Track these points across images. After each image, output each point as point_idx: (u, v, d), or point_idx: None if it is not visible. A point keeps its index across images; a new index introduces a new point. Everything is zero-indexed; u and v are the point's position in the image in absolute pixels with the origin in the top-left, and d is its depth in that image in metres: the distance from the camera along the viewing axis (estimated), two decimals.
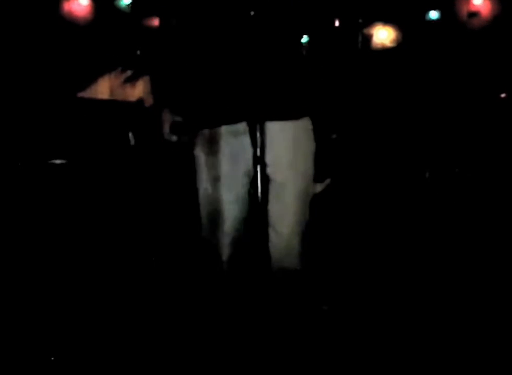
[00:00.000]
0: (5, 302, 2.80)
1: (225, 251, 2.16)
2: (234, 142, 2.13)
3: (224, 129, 2.15)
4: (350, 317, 2.94)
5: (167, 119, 2.29)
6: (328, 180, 4.05)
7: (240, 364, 2.10)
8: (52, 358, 2.37)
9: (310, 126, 2.22)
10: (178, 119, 2.28)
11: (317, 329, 2.28)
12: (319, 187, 3.55)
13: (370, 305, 3.12)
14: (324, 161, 2.53)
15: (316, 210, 2.24)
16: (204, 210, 2.20)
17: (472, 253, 3.78)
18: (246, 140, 2.03)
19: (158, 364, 2.46)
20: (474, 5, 5.47)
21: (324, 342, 2.37)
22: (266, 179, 1.79)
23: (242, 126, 2.07)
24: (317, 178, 2.46)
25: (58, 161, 3.53)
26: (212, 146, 2.18)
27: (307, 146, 2.21)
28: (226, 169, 2.15)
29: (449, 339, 2.67)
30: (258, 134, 1.78)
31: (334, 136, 4.07)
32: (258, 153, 1.80)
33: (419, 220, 4.27)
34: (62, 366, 2.19)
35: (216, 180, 2.16)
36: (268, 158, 2.06)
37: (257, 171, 1.78)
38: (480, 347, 2.54)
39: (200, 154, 2.21)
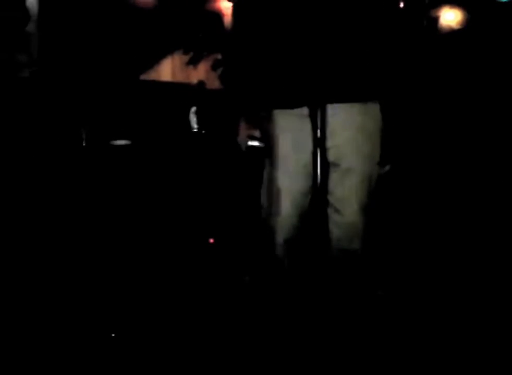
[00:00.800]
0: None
1: (283, 233, 2.16)
2: (298, 125, 2.12)
3: (287, 111, 2.14)
4: (404, 305, 2.90)
5: (244, 131, 2.32)
6: (388, 167, 3.99)
7: (298, 343, 2.11)
8: (113, 335, 2.42)
9: (378, 111, 2.18)
10: (255, 133, 2.31)
11: (371, 314, 2.26)
12: (380, 171, 3.49)
13: (425, 295, 3.08)
14: (386, 147, 2.49)
15: (376, 195, 2.21)
16: (264, 192, 2.21)
17: None
18: (307, 124, 2.02)
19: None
20: None
21: (375, 328, 2.35)
22: (326, 163, 1.77)
23: (306, 109, 2.06)
24: (379, 162, 2.43)
25: (121, 142, 3.60)
26: (276, 128, 2.18)
27: (374, 131, 2.18)
28: (289, 151, 2.14)
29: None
30: (319, 118, 1.76)
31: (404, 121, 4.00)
32: (319, 135, 1.78)
33: (482, 214, 4.17)
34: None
35: (276, 165, 2.16)
36: (334, 142, 2.04)
37: (317, 155, 1.77)
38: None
39: (265, 137, 2.22)
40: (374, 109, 2.18)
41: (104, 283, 2.90)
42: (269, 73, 2.17)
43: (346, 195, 2.10)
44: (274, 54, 2.14)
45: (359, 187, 2.13)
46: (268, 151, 2.22)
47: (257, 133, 2.32)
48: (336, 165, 2.12)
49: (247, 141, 2.36)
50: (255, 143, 2.42)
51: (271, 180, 2.18)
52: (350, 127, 2.09)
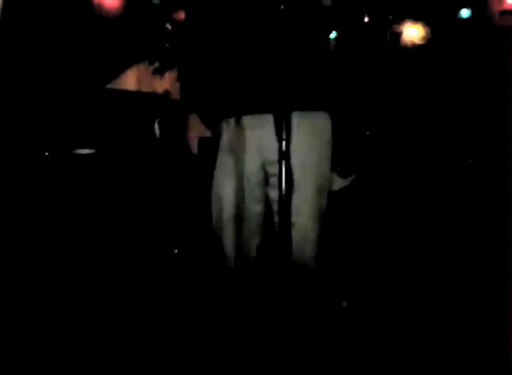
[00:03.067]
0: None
1: (230, 239, 2.16)
2: (258, 133, 2.13)
3: (249, 119, 2.15)
4: (368, 314, 2.92)
5: (193, 127, 2.30)
6: (353, 176, 4.03)
7: (252, 360, 2.10)
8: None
9: (328, 122, 2.20)
10: (207, 134, 2.30)
11: (335, 325, 2.26)
12: (344, 182, 3.52)
13: (387, 302, 3.10)
14: (350, 157, 2.52)
15: (339, 205, 2.22)
16: (217, 203, 2.20)
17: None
18: (267, 132, 2.03)
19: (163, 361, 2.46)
20: (507, 3, 5.40)
21: (341, 339, 2.36)
22: (290, 173, 1.78)
23: (267, 117, 2.07)
24: (342, 173, 2.44)
25: (85, 151, 3.56)
26: (238, 137, 2.18)
27: (325, 141, 2.20)
28: (248, 160, 2.15)
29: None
30: (284, 126, 1.77)
31: (367, 133, 4.05)
32: (283, 145, 1.79)
33: (444, 221, 4.23)
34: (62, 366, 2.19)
35: (237, 172, 2.17)
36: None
37: (281, 165, 1.77)
38: None
39: (224, 144, 2.21)
40: (323, 120, 2.21)
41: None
42: (229, 80, 2.18)
43: (297, 207, 2.11)
44: (234, 62, 2.16)
45: (310, 199, 2.15)
46: (216, 157, 2.22)
47: (207, 133, 2.30)
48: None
49: (200, 144, 2.33)
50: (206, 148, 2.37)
51: (219, 193, 2.19)
52: (298, 139, 2.11)
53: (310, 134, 2.16)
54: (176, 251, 3.56)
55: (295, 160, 2.08)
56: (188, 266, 3.46)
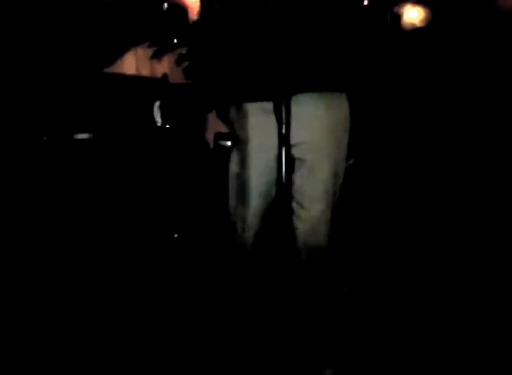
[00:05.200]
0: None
1: (250, 228, 2.16)
2: (264, 120, 2.11)
3: (254, 106, 2.14)
4: (369, 301, 2.92)
5: (212, 127, 2.31)
6: (351, 161, 4.02)
7: (254, 343, 2.11)
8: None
9: (346, 105, 2.19)
10: (223, 129, 2.30)
11: (335, 311, 2.26)
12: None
13: (390, 290, 3.11)
14: (350, 141, 2.50)
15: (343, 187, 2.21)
16: (232, 188, 2.20)
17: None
18: (273, 118, 2.02)
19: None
20: None
21: (340, 325, 2.35)
22: (290, 158, 1.77)
23: (269, 103, 2.06)
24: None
25: (84, 136, 3.54)
26: (243, 123, 2.18)
27: (341, 126, 2.19)
28: (255, 146, 2.14)
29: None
30: (283, 112, 1.76)
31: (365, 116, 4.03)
32: (284, 131, 1.78)
33: (445, 208, 4.22)
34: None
35: (245, 158, 2.16)
36: (300, 138, 2.05)
37: (281, 151, 1.77)
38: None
39: (243, 127, 2.20)
40: (341, 103, 2.19)
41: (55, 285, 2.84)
42: (235, 66, 2.16)
43: (313, 191, 2.11)
44: (240, 47, 2.14)
45: (325, 183, 2.15)
46: (235, 146, 2.21)
47: (225, 129, 2.31)
48: (302, 161, 2.12)
49: (215, 138, 2.35)
50: (224, 143, 2.41)
51: (239, 174, 2.18)
52: (316, 123, 2.10)
53: (328, 119, 2.15)
54: (176, 235, 3.55)
55: (312, 143, 2.07)
56: (188, 251, 3.45)
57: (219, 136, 2.36)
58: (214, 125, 2.34)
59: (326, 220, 2.15)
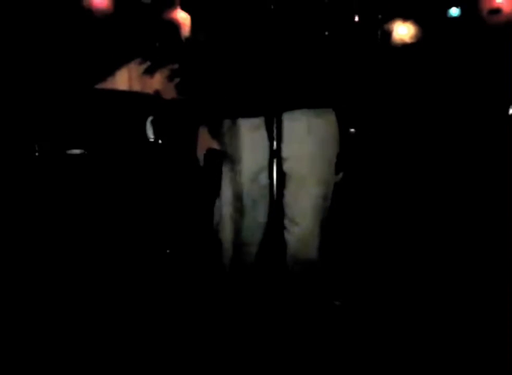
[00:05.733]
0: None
1: (231, 241, 2.17)
2: (253, 136, 2.13)
3: (243, 123, 2.15)
4: (362, 314, 2.92)
5: (203, 144, 2.32)
6: (341, 174, 4.03)
7: (246, 360, 2.11)
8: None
9: (334, 120, 2.21)
10: (214, 146, 2.31)
11: (328, 324, 2.27)
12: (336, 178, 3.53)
13: (383, 302, 3.11)
14: (338, 155, 2.52)
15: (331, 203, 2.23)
16: (219, 203, 2.21)
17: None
18: (265, 134, 2.03)
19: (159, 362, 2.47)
20: (495, 2, 5.42)
21: (334, 338, 2.36)
22: (281, 174, 1.78)
23: (260, 119, 2.08)
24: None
25: (76, 151, 3.55)
26: (233, 140, 2.19)
27: (330, 140, 2.20)
28: (246, 162, 2.15)
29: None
30: (275, 127, 1.78)
31: (352, 130, 4.06)
32: (275, 146, 1.80)
33: (436, 218, 4.25)
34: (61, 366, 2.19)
35: (236, 174, 2.17)
36: (289, 153, 2.06)
37: (272, 165, 1.78)
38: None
39: (227, 145, 2.22)
40: (329, 118, 2.21)
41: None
42: (226, 82, 2.18)
43: (303, 206, 2.12)
44: (231, 63, 2.16)
45: (315, 198, 2.16)
46: (225, 162, 2.23)
47: (216, 146, 2.32)
48: (292, 176, 2.14)
49: (207, 154, 2.36)
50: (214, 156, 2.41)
51: (231, 191, 2.20)
52: (305, 138, 2.11)
53: (317, 133, 2.17)
54: (168, 251, 3.56)
55: (301, 158, 2.08)
56: (180, 266, 3.46)
57: (210, 153, 2.37)
58: (205, 141, 2.35)
59: (316, 234, 2.15)
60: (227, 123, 2.22)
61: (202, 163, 2.34)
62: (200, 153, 2.35)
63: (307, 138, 2.12)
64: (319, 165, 2.16)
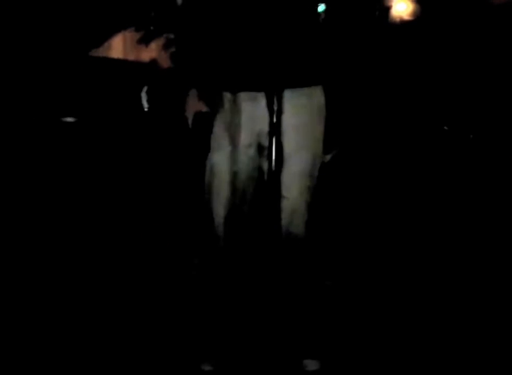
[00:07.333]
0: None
1: (222, 212, 2.16)
2: (251, 107, 2.12)
3: (244, 93, 2.14)
4: (353, 294, 2.94)
5: (192, 106, 2.30)
6: (335, 151, 4.04)
7: (236, 340, 2.12)
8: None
9: (323, 98, 2.21)
10: (203, 108, 2.30)
11: (319, 304, 2.28)
12: (326, 157, 3.53)
13: (373, 283, 3.13)
14: (332, 131, 2.51)
15: (323, 180, 2.23)
16: (210, 171, 2.20)
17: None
18: (261, 106, 2.03)
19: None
20: None
21: (324, 319, 2.37)
22: (280, 147, 1.77)
23: (260, 93, 2.06)
24: (324, 149, 2.44)
25: (69, 119, 3.52)
26: (233, 109, 2.18)
27: (318, 116, 2.20)
28: (244, 129, 2.14)
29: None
30: (275, 102, 1.76)
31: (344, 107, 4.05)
32: (275, 120, 1.78)
33: (427, 197, 4.26)
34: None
35: (233, 142, 2.16)
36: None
37: (272, 138, 1.77)
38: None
39: (220, 116, 2.20)
40: (317, 94, 2.20)
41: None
42: (220, 56, 2.17)
43: (290, 180, 2.11)
44: (224, 41, 2.15)
45: (302, 172, 2.16)
46: (212, 131, 2.22)
47: (205, 108, 2.31)
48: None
49: (195, 116, 2.34)
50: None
51: (212, 161, 2.20)
52: (293, 113, 2.10)
53: (306, 109, 2.16)
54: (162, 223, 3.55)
55: (290, 133, 2.07)
56: (171, 241, 3.45)
57: (199, 115, 2.36)
58: (194, 104, 2.34)
59: (304, 208, 2.16)
60: (225, 94, 2.20)
61: (190, 124, 2.34)
62: (189, 115, 2.34)
63: (295, 114, 2.11)
64: (305, 142, 2.16)
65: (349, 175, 4.32)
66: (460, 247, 3.57)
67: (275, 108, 1.79)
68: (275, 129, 1.79)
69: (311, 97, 2.18)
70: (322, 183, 2.24)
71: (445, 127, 4.61)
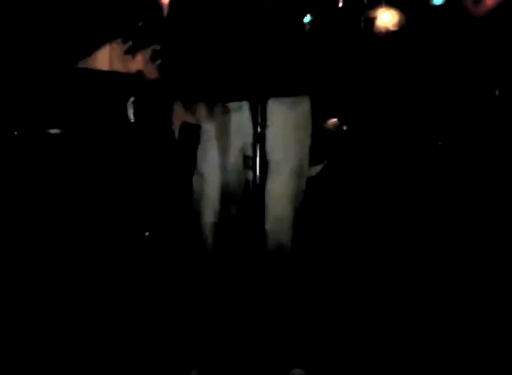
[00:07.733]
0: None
1: (208, 217, 2.17)
2: (237, 116, 2.13)
3: (229, 104, 2.15)
4: (340, 301, 2.95)
5: (178, 118, 2.31)
6: (325, 162, 4.05)
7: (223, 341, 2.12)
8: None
9: (308, 107, 2.22)
10: (190, 119, 2.31)
11: (306, 313, 2.28)
12: (315, 169, 3.54)
13: (363, 290, 3.13)
14: (321, 143, 2.53)
15: (312, 191, 2.23)
16: (198, 182, 2.21)
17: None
18: (246, 116, 2.04)
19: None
20: None
21: (311, 328, 2.37)
22: (264, 157, 1.78)
23: (244, 102, 2.07)
24: (313, 160, 2.46)
25: (54, 131, 3.51)
26: (219, 120, 2.19)
27: (305, 125, 2.22)
28: (230, 141, 2.15)
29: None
30: (259, 112, 1.77)
31: (335, 119, 4.07)
32: (259, 130, 1.79)
33: (417, 206, 4.27)
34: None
35: (221, 152, 2.17)
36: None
37: (256, 149, 1.78)
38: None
39: (206, 127, 2.22)
40: (303, 104, 2.22)
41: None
42: (206, 66, 2.18)
43: (276, 189, 2.13)
44: (211, 46, 2.15)
45: (288, 182, 2.17)
46: (201, 140, 2.23)
47: (191, 119, 2.32)
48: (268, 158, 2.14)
49: (182, 128, 2.36)
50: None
51: (200, 171, 2.21)
52: (278, 122, 2.11)
53: (291, 118, 2.17)
54: (147, 233, 3.55)
55: (275, 143, 2.09)
56: (159, 248, 3.45)
57: (185, 126, 2.36)
58: (180, 115, 2.35)
59: (290, 218, 2.16)
60: (214, 104, 2.22)
61: (177, 136, 2.35)
62: (176, 126, 2.35)
63: (281, 125, 2.13)
64: (292, 150, 2.17)
65: (339, 184, 4.33)
66: (457, 249, 3.58)
67: (259, 117, 1.80)
68: (260, 138, 1.79)
69: (296, 106, 2.20)
70: (312, 191, 2.26)
71: (438, 141, 4.62)
